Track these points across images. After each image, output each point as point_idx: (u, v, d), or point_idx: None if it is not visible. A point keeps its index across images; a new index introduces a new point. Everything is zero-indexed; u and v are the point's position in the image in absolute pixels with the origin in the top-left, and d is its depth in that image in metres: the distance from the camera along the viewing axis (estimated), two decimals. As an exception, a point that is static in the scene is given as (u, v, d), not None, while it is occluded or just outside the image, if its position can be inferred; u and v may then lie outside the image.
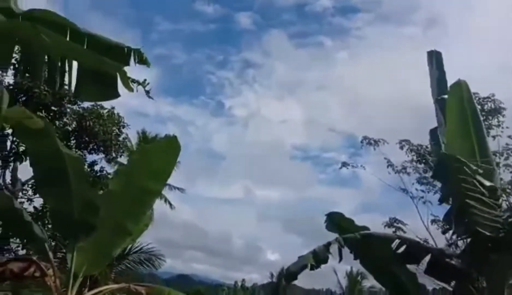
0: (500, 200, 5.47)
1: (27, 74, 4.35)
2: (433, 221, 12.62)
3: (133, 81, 4.01)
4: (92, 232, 5.41)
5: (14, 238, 13.36)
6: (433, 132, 6.93)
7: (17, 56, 4.37)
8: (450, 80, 6.06)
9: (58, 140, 4.98)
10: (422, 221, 12.21)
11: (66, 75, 3.93)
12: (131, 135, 21.10)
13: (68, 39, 3.88)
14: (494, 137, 11.38)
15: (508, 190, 10.94)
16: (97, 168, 16.21)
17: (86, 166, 14.72)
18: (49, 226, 13.65)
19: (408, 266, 5.64)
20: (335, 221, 5.89)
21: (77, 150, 15.76)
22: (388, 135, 13.82)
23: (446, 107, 5.94)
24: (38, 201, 14.84)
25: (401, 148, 13.26)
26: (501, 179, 9.29)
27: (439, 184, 5.58)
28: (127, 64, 3.92)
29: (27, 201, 15.25)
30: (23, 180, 15.43)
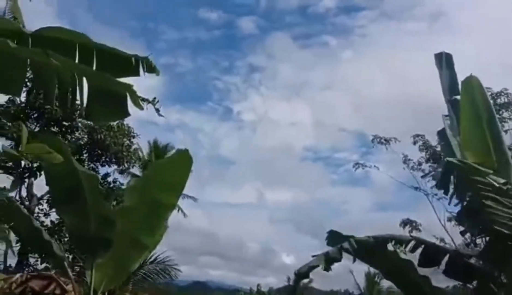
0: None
1: (39, 96, 4.41)
2: (449, 219, 12.49)
3: (143, 99, 4.04)
4: (109, 247, 5.48)
5: (33, 253, 13.57)
6: (441, 133, 6.82)
7: (29, 74, 4.44)
8: (459, 76, 5.98)
9: (74, 159, 5.04)
10: (439, 219, 12.11)
11: (77, 96, 3.98)
12: (142, 145, 21.27)
13: (77, 56, 3.93)
14: (506, 131, 11.24)
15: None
16: (110, 179, 16.44)
17: (99, 178, 14.91)
18: (66, 239, 13.85)
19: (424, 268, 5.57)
20: (335, 239, 5.82)
21: (89, 163, 15.98)
22: (397, 133, 13.74)
23: (459, 104, 5.85)
24: (54, 215, 15.08)
25: (414, 143, 13.11)
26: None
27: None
28: (137, 74, 3.93)
29: (44, 215, 15.49)
30: (38, 195, 15.69)
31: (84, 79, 3.91)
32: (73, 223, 5.74)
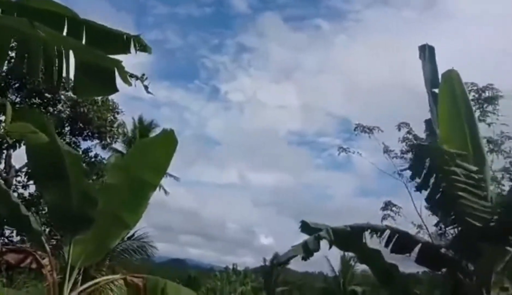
0: (489, 190, 5.57)
1: (22, 67, 4.32)
2: (427, 207, 12.77)
3: (131, 75, 4.00)
4: (90, 225, 5.46)
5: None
6: (428, 123, 6.99)
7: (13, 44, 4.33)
8: (450, 64, 6.02)
9: (57, 137, 4.96)
10: (415, 207, 12.38)
11: (64, 70, 3.93)
12: (126, 120, 21.02)
13: (65, 30, 3.86)
14: (489, 124, 11.54)
15: (499, 178, 11.16)
16: (91, 154, 16.25)
17: (80, 152, 14.74)
18: (43, 212, 13.74)
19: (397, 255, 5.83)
20: (308, 228, 6.01)
21: (71, 136, 15.74)
22: (386, 119, 13.78)
23: (438, 96, 6.00)
24: (33, 187, 14.88)
25: (399, 129, 13.23)
26: (491, 168, 9.42)
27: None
28: (128, 52, 3.89)
29: (22, 187, 15.28)
30: (17, 167, 15.42)
31: (71, 53, 3.86)
32: (54, 200, 5.67)
